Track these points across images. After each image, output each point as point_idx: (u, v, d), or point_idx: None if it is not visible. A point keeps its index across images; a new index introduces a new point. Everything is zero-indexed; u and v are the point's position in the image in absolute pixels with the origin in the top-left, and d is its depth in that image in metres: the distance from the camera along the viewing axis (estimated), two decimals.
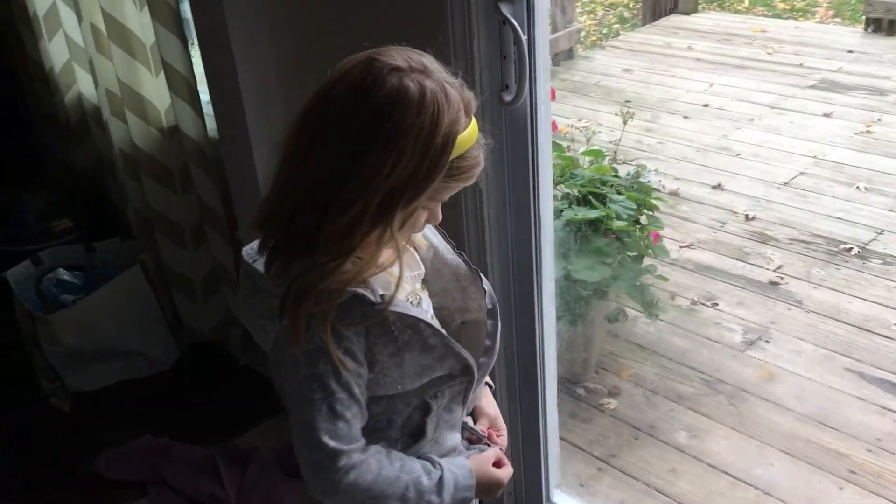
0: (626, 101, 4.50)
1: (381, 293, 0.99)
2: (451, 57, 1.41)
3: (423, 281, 1.14)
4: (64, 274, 2.36)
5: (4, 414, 2.38)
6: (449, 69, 0.98)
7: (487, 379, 1.22)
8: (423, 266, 1.13)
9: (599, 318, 2.32)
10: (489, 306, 1.14)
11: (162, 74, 2.11)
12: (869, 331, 2.53)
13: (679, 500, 1.97)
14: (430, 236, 1.15)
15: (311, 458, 0.99)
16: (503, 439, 1.24)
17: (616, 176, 2.44)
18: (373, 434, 1.06)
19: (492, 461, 1.16)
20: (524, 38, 1.35)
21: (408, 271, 1.06)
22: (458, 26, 1.38)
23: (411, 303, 1.06)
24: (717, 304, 2.72)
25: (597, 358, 2.43)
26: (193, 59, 2.06)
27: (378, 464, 1.02)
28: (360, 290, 0.96)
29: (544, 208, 1.56)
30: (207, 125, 2.13)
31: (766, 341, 2.52)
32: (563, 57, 5.32)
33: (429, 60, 0.96)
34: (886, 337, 2.50)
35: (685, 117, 4.31)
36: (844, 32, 5.56)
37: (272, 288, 1.00)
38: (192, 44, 2.06)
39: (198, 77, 2.08)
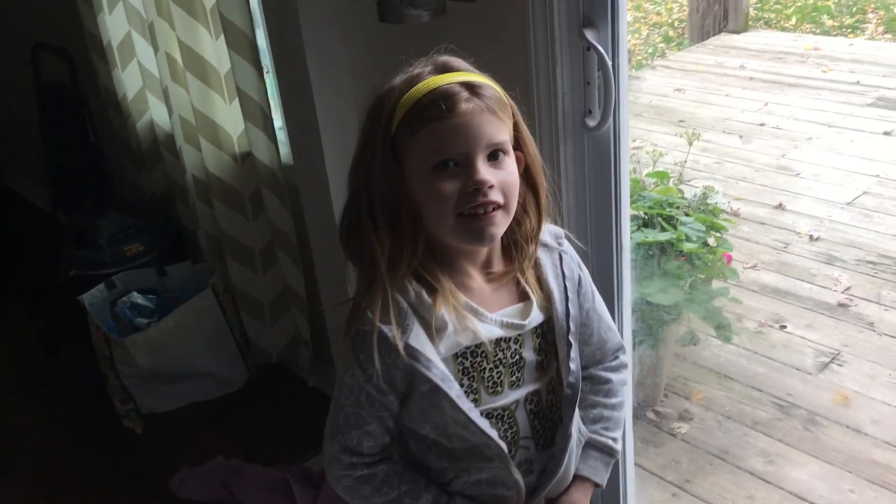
0: (680, 121, 4.47)
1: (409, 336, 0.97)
2: (533, 84, 1.43)
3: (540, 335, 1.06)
4: (137, 297, 2.41)
5: (83, 433, 2.43)
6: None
7: (592, 474, 1.15)
8: (528, 313, 1.04)
9: (670, 340, 2.30)
10: (568, 392, 1.07)
11: (236, 101, 2.16)
12: None
13: None
14: (555, 298, 1.06)
15: (324, 449, 1.08)
16: None
17: (682, 197, 2.42)
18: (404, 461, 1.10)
19: None
20: (610, 63, 1.35)
21: (477, 312, 1.01)
22: (542, 54, 1.39)
23: (468, 351, 1.01)
24: (785, 327, 2.68)
25: (666, 381, 2.41)
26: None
27: (383, 479, 1.06)
28: (382, 326, 0.97)
29: (625, 232, 1.56)
30: (280, 150, 2.17)
31: (839, 364, 2.48)
32: None
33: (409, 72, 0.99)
34: None
35: (741, 137, 4.27)
36: None
37: None
38: (267, 72, 2.11)
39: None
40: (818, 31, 6.30)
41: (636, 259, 2.20)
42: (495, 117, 0.96)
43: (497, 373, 1.04)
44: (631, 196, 2.32)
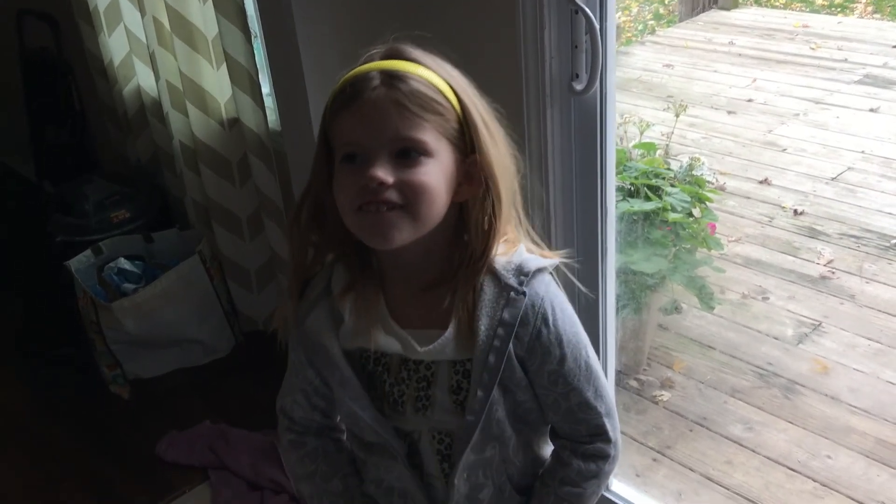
0: (669, 97, 4.48)
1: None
2: (521, 48, 1.44)
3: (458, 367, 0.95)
4: (124, 263, 2.41)
5: (67, 400, 2.45)
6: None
7: None
8: (432, 341, 0.94)
9: (653, 309, 2.33)
10: (460, 437, 0.97)
11: (224, 67, 2.15)
12: None
13: (736, 491, 1.97)
14: (479, 339, 0.93)
15: None
16: None
17: (668, 169, 2.44)
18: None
19: None
20: (598, 26, 1.36)
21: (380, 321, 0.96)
22: (529, 17, 1.40)
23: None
24: (767, 298, 2.71)
25: (648, 350, 2.44)
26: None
27: (308, 453, 1.09)
28: (294, 304, 1.01)
29: (610, 198, 1.57)
30: (268, 117, 2.17)
31: (819, 335, 2.51)
32: None
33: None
34: None
35: (729, 112, 4.28)
36: (889, 27, 5.49)
37: None
38: (255, 37, 2.10)
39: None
40: (808, 9, 6.30)
41: (620, 228, 2.22)
42: (407, 111, 0.86)
43: (398, 390, 0.97)
44: (617, 166, 2.34)
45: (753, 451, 2.09)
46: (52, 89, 3.13)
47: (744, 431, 2.16)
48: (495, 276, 0.94)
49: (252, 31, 2.07)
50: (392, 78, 0.88)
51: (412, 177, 0.87)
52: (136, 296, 2.29)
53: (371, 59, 0.92)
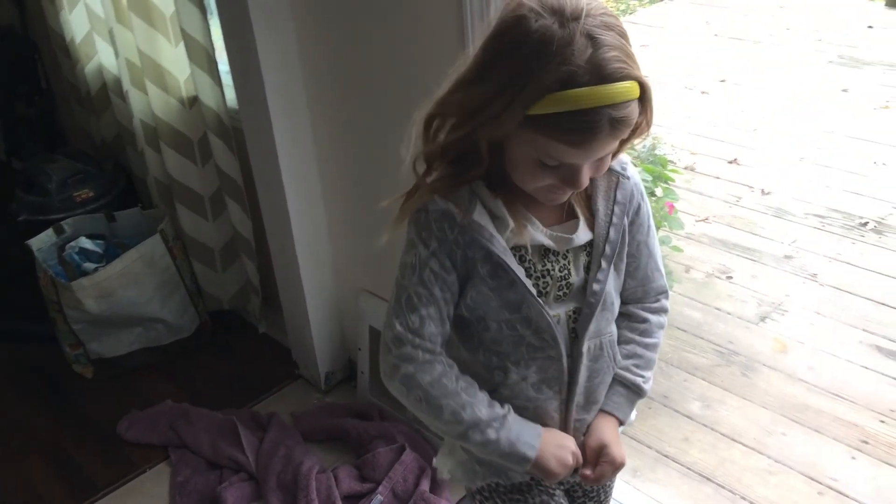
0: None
1: (468, 216, 1.02)
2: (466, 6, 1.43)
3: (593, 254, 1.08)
4: (86, 242, 2.40)
5: (30, 379, 2.44)
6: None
7: (615, 409, 1.16)
8: (576, 229, 1.06)
9: None
10: (586, 311, 1.08)
11: (181, 45, 2.13)
12: (883, 304, 2.54)
13: (692, 467, 1.99)
14: (600, 219, 1.07)
15: (383, 336, 1.08)
16: (601, 469, 1.13)
17: (631, 148, 2.44)
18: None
19: (568, 447, 1.10)
20: None
21: (538, 228, 1.05)
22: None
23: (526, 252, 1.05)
24: (731, 277, 2.73)
25: None
26: (211, 30, 2.08)
27: (442, 372, 1.05)
28: (444, 203, 1.02)
29: None
30: (226, 95, 2.15)
31: (780, 314, 2.53)
32: None
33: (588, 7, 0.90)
34: None
35: (702, 92, 4.29)
36: (866, 8, 5.50)
37: None
38: (211, 14, 2.08)
39: (215, 48, 2.11)
40: None
41: None
42: (617, 140, 0.94)
43: (544, 283, 1.06)
44: None
45: (710, 427, 2.11)
46: (20, 68, 3.09)
47: (701, 409, 2.18)
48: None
49: (208, 8, 2.05)
50: (616, 121, 0.90)
51: (600, 165, 0.99)
52: (97, 275, 2.28)
53: (579, 75, 0.87)
